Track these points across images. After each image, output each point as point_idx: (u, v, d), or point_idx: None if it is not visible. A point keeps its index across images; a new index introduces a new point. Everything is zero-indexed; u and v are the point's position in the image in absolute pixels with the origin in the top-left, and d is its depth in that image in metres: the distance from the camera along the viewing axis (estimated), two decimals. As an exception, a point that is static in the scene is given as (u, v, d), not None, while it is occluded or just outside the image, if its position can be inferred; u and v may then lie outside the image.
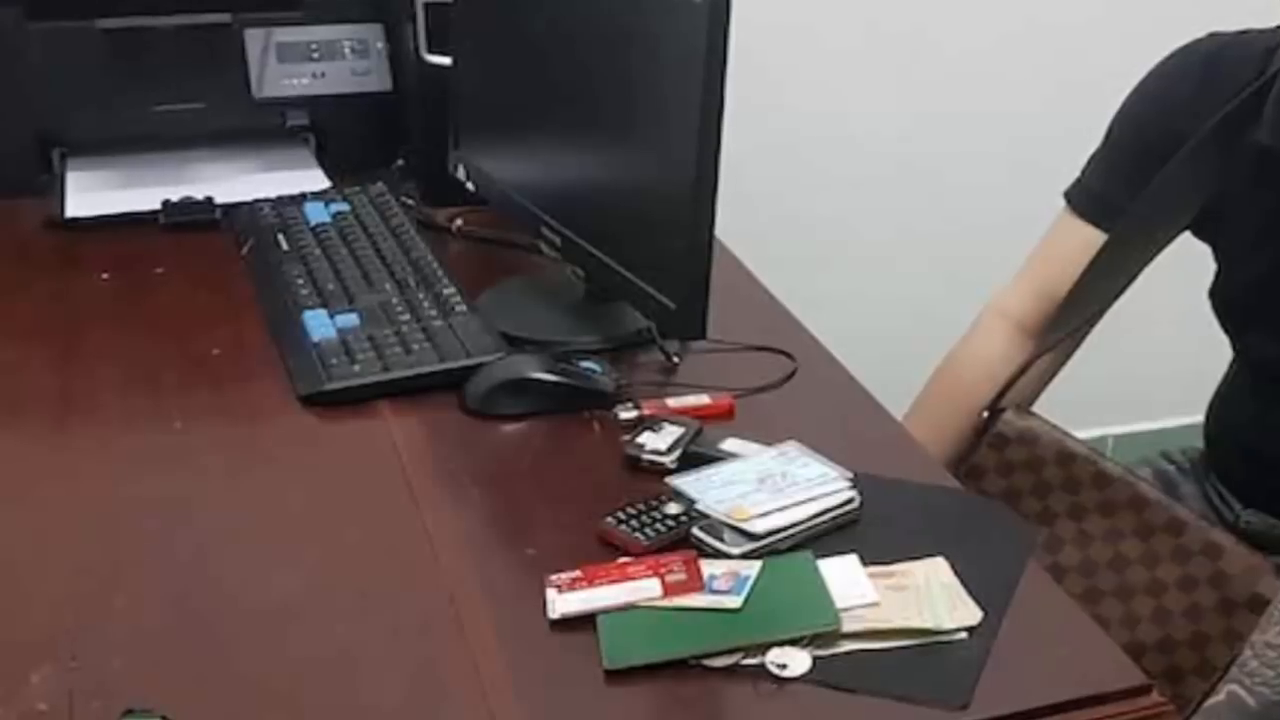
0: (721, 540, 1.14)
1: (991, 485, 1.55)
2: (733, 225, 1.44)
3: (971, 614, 1.07)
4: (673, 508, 1.18)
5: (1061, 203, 1.68)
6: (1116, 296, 1.62)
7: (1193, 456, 1.74)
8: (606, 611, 1.07)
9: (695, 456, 1.26)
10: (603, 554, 1.15)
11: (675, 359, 1.46)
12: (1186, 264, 1.63)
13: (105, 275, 1.67)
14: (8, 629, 1.08)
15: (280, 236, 1.71)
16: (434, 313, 1.50)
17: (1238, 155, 1.51)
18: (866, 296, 2.58)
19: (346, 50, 1.97)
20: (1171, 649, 1.44)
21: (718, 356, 1.46)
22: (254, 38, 1.94)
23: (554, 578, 1.10)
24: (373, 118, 1.99)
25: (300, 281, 1.59)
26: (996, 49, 2.55)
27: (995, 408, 1.60)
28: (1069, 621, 1.11)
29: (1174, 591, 1.45)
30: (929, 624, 1.06)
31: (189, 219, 1.81)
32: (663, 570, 1.11)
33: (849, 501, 1.19)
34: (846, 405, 1.41)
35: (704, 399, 1.38)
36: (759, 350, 1.48)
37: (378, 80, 1.98)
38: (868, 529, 1.18)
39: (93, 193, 1.88)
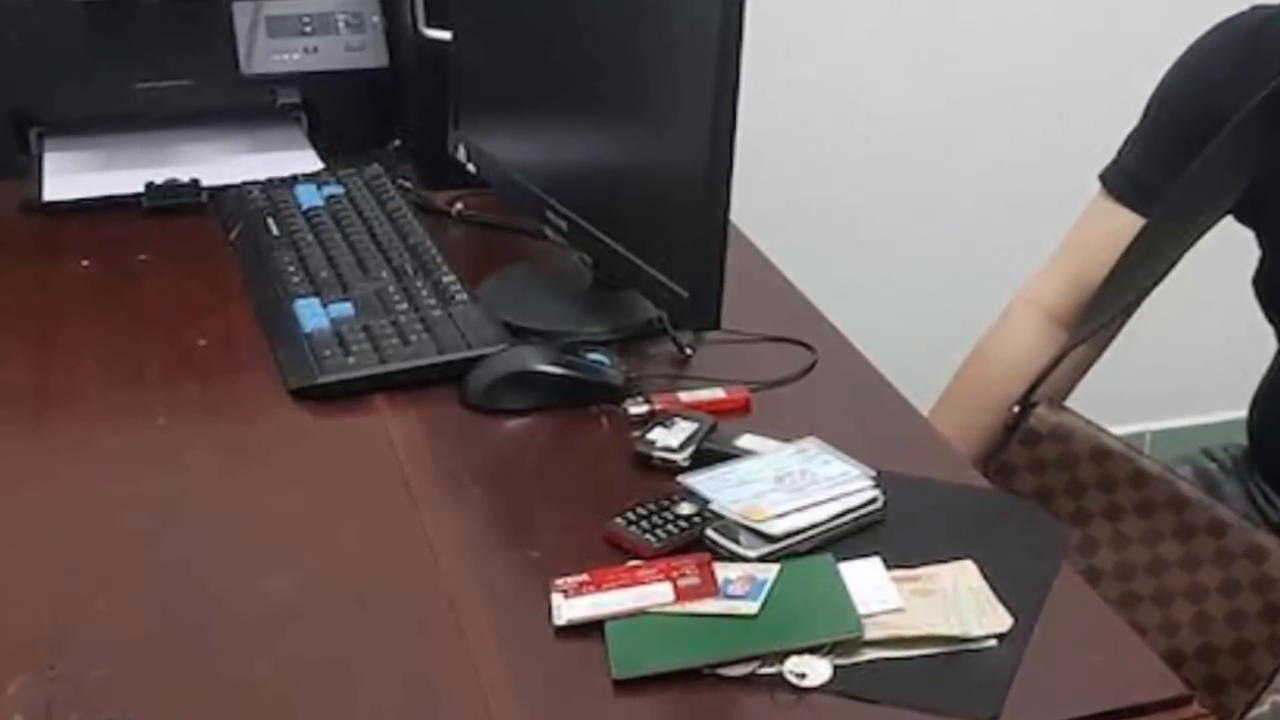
0: (737, 542, 1.14)
1: (1023, 484, 1.55)
2: (748, 210, 1.43)
3: (1001, 620, 1.07)
4: (685, 508, 1.18)
5: (1096, 185, 1.68)
6: (1155, 284, 1.61)
7: (1235, 454, 1.73)
8: (615, 618, 1.07)
9: (709, 454, 1.26)
10: (611, 557, 1.15)
11: (688, 350, 1.46)
12: (1228, 250, 1.63)
13: (85, 262, 1.68)
14: (-17, 636, 1.08)
15: (270, 221, 1.71)
16: (433, 302, 1.50)
17: (1283, 135, 1.51)
18: (890, 284, 2.57)
19: (340, 24, 1.97)
20: (1213, 657, 1.44)
21: (733, 348, 1.46)
22: (242, 11, 1.94)
23: (559, 582, 1.10)
24: (368, 96, 1.99)
25: (291, 269, 1.59)
26: (1026, 25, 2.54)
27: (1026, 402, 1.59)
28: (1104, 628, 1.10)
29: (1215, 596, 1.45)
30: (956, 631, 1.06)
31: (173, 202, 1.81)
32: (675, 574, 1.11)
33: (872, 501, 1.19)
34: (869, 399, 1.41)
35: (718, 393, 1.38)
36: (777, 341, 1.48)
37: (373, 56, 1.98)
38: (892, 530, 1.18)
39: (72, 175, 1.88)
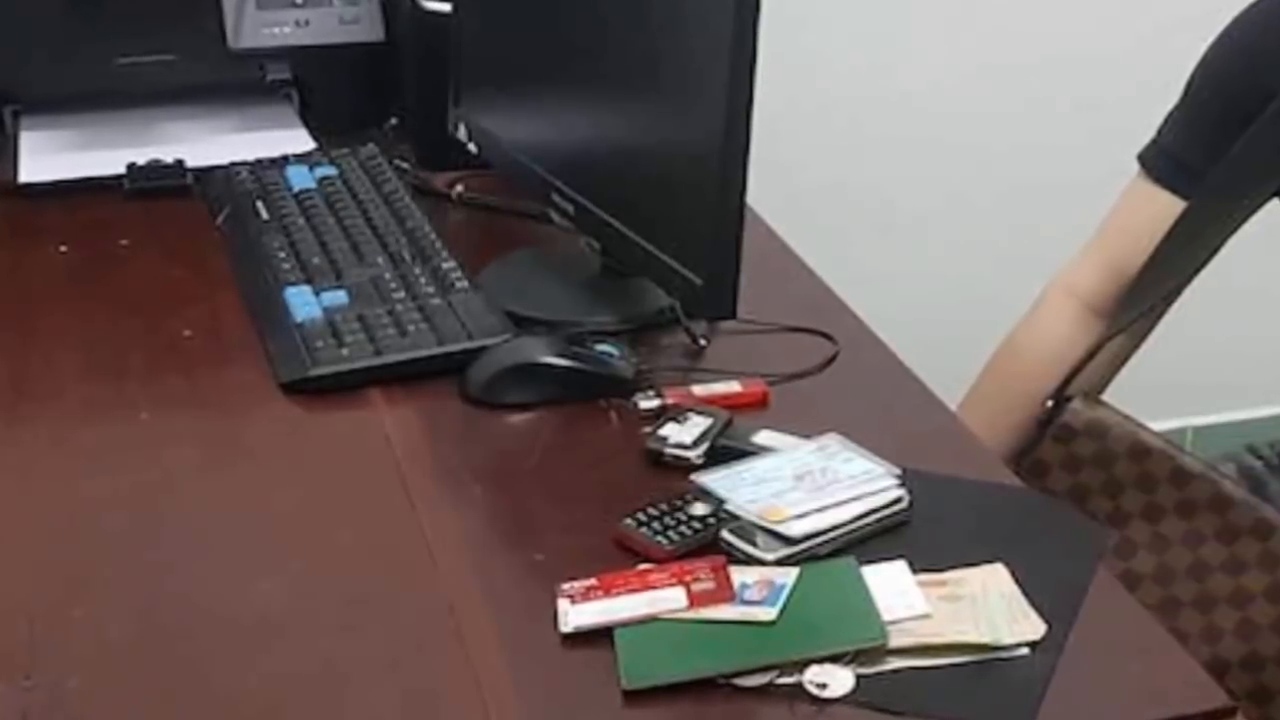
0: (754, 544, 1.14)
1: (1056, 483, 1.55)
2: (766, 192, 1.43)
3: (1034, 627, 1.07)
4: (699, 508, 1.18)
5: (1135, 166, 1.67)
6: (1197, 271, 1.61)
7: (1282, 451, 1.74)
8: (625, 624, 1.07)
9: (724, 451, 1.26)
10: (620, 560, 1.15)
11: (702, 341, 1.46)
12: (1275, 235, 1.62)
13: (63, 248, 1.68)
14: (-44, 643, 1.08)
15: (259, 204, 1.71)
16: (431, 290, 1.50)
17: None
18: (916, 271, 2.57)
19: (334, -5, 1.97)
20: (1258, 666, 1.44)
21: (749, 338, 1.46)
22: (230, -19, 1.95)
23: (566, 586, 1.10)
24: (363, 71, 1.99)
25: (282, 255, 1.59)
26: (1059, -3, 2.54)
27: (1061, 396, 1.59)
28: (1143, 635, 1.10)
29: (1261, 602, 1.45)
30: (986, 638, 1.05)
31: (157, 184, 1.81)
32: (688, 578, 1.11)
33: (897, 501, 1.19)
34: (894, 393, 1.41)
35: (734, 386, 1.38)
36: (795, 331, 1.48)
37: (369, 29, 1.98)
38: (918, 532, 1.18)
39: (49, 155, 1.88)
